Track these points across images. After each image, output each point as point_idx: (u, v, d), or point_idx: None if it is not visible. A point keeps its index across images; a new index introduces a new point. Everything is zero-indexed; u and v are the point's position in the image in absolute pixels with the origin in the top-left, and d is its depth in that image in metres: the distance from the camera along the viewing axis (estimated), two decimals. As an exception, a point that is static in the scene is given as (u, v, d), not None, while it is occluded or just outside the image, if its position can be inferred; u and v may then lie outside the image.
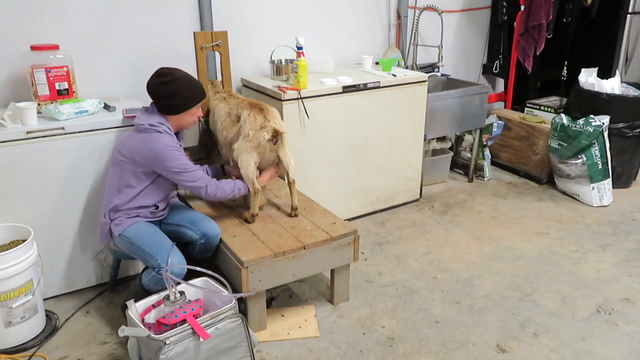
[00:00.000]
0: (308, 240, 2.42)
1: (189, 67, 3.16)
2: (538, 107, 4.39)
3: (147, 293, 2.28)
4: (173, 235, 2.46)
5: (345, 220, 2.71)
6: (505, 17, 4.44)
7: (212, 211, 2.72)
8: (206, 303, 2.18)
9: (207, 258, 2.54)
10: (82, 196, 2.60)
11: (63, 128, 2.47)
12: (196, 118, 2.46)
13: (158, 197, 2.42)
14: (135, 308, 2.03)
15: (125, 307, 2.04)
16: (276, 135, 2.48)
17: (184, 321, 1.94)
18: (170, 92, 2.31)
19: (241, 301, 2.36)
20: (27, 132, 2.40)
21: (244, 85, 3.42)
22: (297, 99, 3.01)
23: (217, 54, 2.97)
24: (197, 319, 1.94)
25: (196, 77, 2.91)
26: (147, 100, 2.94)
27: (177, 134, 2.44)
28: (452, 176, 4.33)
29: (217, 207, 2.77)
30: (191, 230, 2.42)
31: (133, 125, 2.61)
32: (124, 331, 1.83)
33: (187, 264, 2.57)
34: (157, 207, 2.43)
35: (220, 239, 2.45)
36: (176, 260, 2.24)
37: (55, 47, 2.68)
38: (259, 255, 2.30)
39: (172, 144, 2.30)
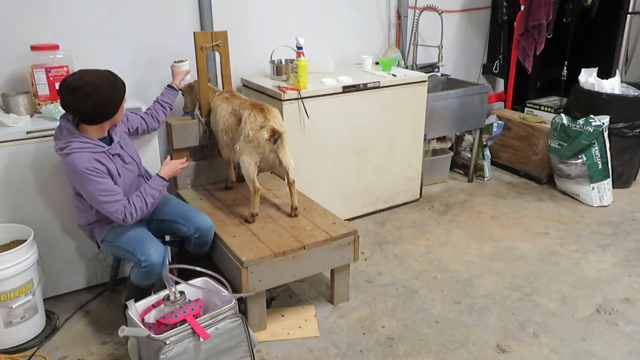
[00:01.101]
0: (308, 240, 2.42)
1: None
2: (538, 107, 4.39)
3: (139, 289, 2.29)
4: (167, 230, 2.47)
5: (345, 220, 2.71)
6: (505, 17, 4.44)
7: (211, 210, 2.72)
8: (206, 303, 2.18)
9: (204, 253, 2.54)
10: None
11: (63, 128, 2.47)
12: (122, 113, 2.26)
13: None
14: (135, 308, 2.03)
15: (125, 307, 2.04)
16: (274, 135, 2.48)
17: (184, 321, 1.94)
18: (99, 101, 2.08)
19: (241, 301, 2.36)
20: (27, 132, 2.40)
21: (244, 85, 3.42)
22: (297, 99, 3.01)
23: (217, 54, 2.97)
24: (197, 319, 1.94)
25: (196, 78, 2.92)
26: (148, 100, 2.95)
27: (109, 133, 2.27)
28: (452, 176, 4.33)
29: (217, 207, 2.77)
30: (184, 226, 2.42)
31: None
32: (124, 331, 1.83)
33: (186, 262, 2.58)
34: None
35: (221, 239, 2.46)
36: (154, 250, 2.22)
37: (55, 47, 2.68)
38: (259, 255, 2.30)
39: (88, 164, 2.08)
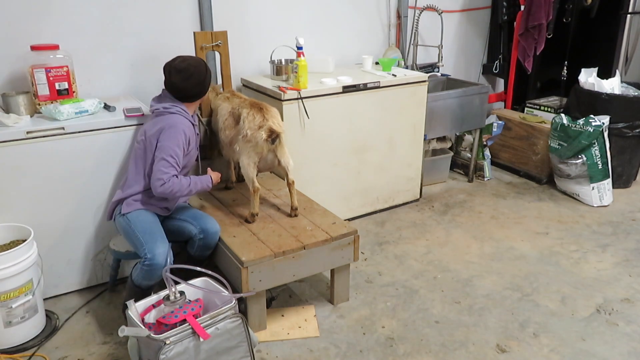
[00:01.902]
0: (308, 240, 2.42)
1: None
2: (538, 107, 4.39)
3: (139, 289, 2.30)
4: (174, 229, 2.48)
5: (345, 220, 2.71)
6: (505, 17, 4.44)
7: (211, 211, 2.72)
8: (206, 303, 2.18)
9: (205, 257, 2.54)
10: (82, 196, 2.60)
11: (63, 128, 2.48)
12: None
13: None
14: (135, 308, 2.03)
15: (125, 307, 2.04)
16: (272, 135, 2.48)
17: (184, 321, 1.94)
18: (198, 80, 2.43)
19: (241, 301, 2.36)
20: (27, 132, 2.40)
21: (244, 85, 3.42)
22: (297, 99, 3.02)
23: (217, 54, 2.97)
24: (197, 319, 1.94)
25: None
26: (147, 100, 2.95)
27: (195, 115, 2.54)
28: (452, 176, 4.33)
29: (217, 207, 2.77)
30: (191, 225, 2.44)
31: (133, 124, 2.63)
32: (124, 331, 1.83)
33: (186, 263, 2.58)
34: (167, 209, 2.49)
35: (221, 239, 2.46)
36: (162, 251, 2.25)
37: (55, 47, 2.67)
38: (259, 255, 2.30)
39: (186, 130, 2.37)
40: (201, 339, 1.89)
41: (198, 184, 2.43)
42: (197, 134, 2.55)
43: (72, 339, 2.42)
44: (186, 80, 2.41)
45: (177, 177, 2.33)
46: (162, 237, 2.33)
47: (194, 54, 2.84)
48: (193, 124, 2.48)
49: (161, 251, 2.24)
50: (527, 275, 2.92)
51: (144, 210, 2.41)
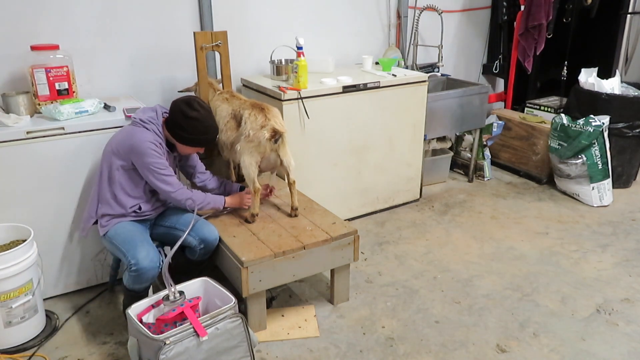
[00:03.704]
0: (308, 240, 2.42)
1: (189, 67, 3.17)
2: (538, 107, 4.39)
3: (133, 292, 2.30)
4: (170, 238, 2.46)
5: (345, 220, 2.71)
6: (505, 17, 4.44)
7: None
8: (206, 303, 2.18)
9: (206, 259, 2.54)
10: (82, 196, 2.60)
11: (63, 128, 2.47)
12: (194, 153, 2.55)
13: (138, 197, 2.40)
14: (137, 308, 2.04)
15: (125, 307, 2.04)
16: (275, 135, 2.49)
17: (184, 319, 1.94)
18: (186, 126, 2.34)
19: (241, 301, 2.36)
20: (27, 132, 2.40)
21: (244, 85, 3.42)
22: (297, 99, 3.01)
23: (217, 54, 2.97)
24: (195, 314, 1.94)
25: (196, 79, 2.92)
26: (147, 100, 2.96)
27: (173, 146, 2.46)
28: (452, 176, 4.33)
29: (217, 207, 2.77)
30: (189, 237, 2.40)
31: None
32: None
33: (187, 265, 2.57)
34: (140, 209, 2.41)
35: (220, 239, 2.45)
36: (145, 255, 2.23)
37: (55, 47, 2.67)
38: (259, 255, 2.30)
39: (154, 142, 2.29)
40: (201, 339, 1.89)
41: (210, 204, 2.49)
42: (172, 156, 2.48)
43: (72, 339, 2.42)
44: (184, 119, 2.32)
45: (183, 186, 2.39)
46: (142, 240, 2.30)
47: (194, 54, 2.84)
48: (168, 150, 2.41)
49: (144, 255, 2.23)
50: (527, 275, 2.92)
51: (120, 224, 2.37)
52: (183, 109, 2.32)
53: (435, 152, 4.17)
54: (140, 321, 2.00)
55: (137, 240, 2.29)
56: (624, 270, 2.97)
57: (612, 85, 3.84)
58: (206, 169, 2.72)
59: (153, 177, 2.31)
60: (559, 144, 3.83)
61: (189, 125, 2.33)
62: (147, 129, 2.32)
